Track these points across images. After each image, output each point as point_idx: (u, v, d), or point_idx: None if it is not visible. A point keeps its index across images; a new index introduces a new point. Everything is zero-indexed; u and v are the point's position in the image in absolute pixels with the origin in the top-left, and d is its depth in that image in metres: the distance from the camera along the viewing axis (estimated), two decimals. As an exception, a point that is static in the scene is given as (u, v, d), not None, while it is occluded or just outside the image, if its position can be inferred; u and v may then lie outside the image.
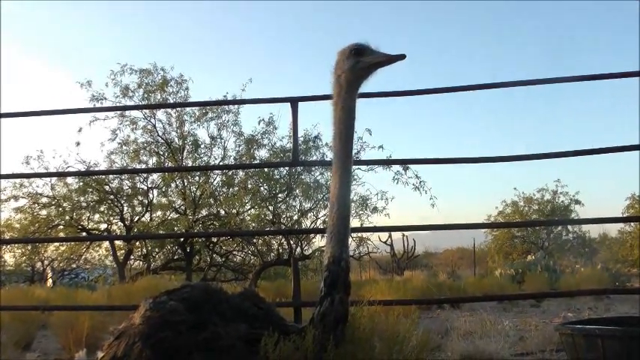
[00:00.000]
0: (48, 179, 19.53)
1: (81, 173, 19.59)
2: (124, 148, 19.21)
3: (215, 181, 19.13)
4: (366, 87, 2.95)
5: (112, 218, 20.48)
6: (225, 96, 18.15)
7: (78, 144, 18.89)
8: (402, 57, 2.82)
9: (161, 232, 18.85)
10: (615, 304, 13.40)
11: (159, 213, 20.03)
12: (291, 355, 2.46)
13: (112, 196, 19.66)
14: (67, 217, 19.47)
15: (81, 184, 19.07)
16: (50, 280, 23.77)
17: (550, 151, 4.94)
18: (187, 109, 19.09)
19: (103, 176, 19.01)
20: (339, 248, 2.66)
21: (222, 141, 19.33)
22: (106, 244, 20.51)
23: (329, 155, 16.54)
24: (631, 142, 4.77)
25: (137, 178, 19.58)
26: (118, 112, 18.83)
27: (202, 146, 19.39)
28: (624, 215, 26.33)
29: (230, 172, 18.63)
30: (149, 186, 19.97)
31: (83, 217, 20.16)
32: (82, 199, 19.52)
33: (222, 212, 19.12)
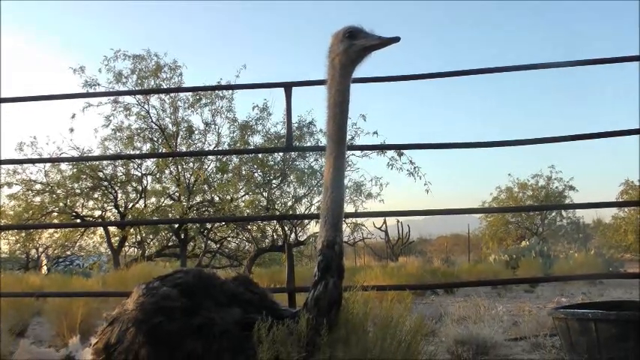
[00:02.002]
0: (41, 166, 19.45)
1: (75, 159, 19.56)
2: (118, 134, 19.17)
3: (209, 167, 19.14)
4: (361, 71, 2.93)
5: (106, 205, 20.49)
6: (219, 82, 18.07)
7: (72, 130, 18.82)
8: (396, 40, 2.79)
9: (155, 218, 18.83)
10: (609, 289, 13.49)
11: (153, 199, 20.02)
12: (284, 340, 2.46)
13: (105, 183, 19.63)
14: (61, 204, 19.42)
15: (75, 170, 19.00)
16: (45, 267, 23.77)
17: (544, 137, 4.93)
18: (181, 94, 19.03)
19: (97, 162, 18.98)
20: (333, 232, 2.64)
21: (216, 127, 19.32)
22: (101, 230, 20.52)
23: (323, 141, 16.45)
24: (627, 126, 4.75)
25: (131, 164, 19.55)
26: (112, 98, 18.77)
27: (196, 132, 19.37)
28: (618, 200, 26.40)
29: (224, 158, 18.59)
30: (143, 172, 19.97)
31: (77, 204, 20.11)
32: (75, 185, 19.46)
33: (217, 198, 19.10)
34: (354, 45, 2.80)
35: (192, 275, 2.82)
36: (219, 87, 17.25)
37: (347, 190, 17.78)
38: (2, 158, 7.38)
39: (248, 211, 18.05)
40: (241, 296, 2.71)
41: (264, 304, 2.69)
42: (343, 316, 2.65)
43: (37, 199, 19.70)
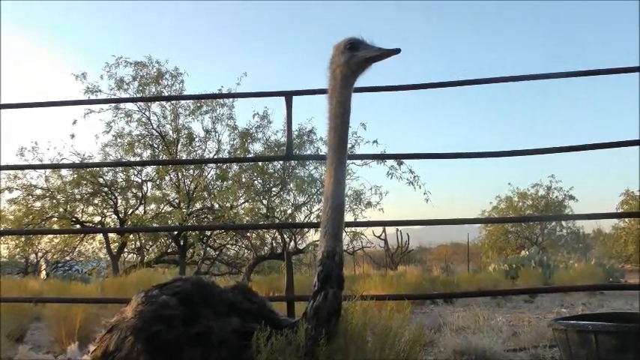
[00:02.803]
0: (42, 171, 19.52)
1: (75, 165, 19.60)
2: (119, 140, 19.24)
3: (209, 175, 19.17)
4: (362, 81, 2.95)
5: (105, 211, 20.53)
6: (219, 89, 18.14)
7: (72, 136, 18.91)
8: (396, 51, 2.81)
9: (155, 225, 18.85)
10: (609, 300, 13.44)
11: (153, 206, 20.05)
12: (283, 349, 2.45)
13: (106, 189, 19.66)
14: (61, 209, 19.47)
15: (75, 176, 19.06)
16: (44, 272, 23.74)
17: (544, 147, 4.92)
18: (182, 102, 19.11)
19: (98, 168, 19.01)
20: (333, 242, 2.64)
21: (217, 134, 19.38)
22: (100, 236, 20.52)
23: (323, 149, 16.58)
24: (627, 137, 4.74)
25: (131, 170, 19.59)
26: (113, 105, 18.84)
27: (197, 139, 19.41)
28: (618, 211, 26.43)
29: (224, 166, 18.63)
30: (143, 179, 20.02)
31: (77, 210, 20.17)
32: (76, 191, 19.53)
33: (216, 206, 19.13)
34: (355, 56, 2.83)
35: (191, 283, 2.81)
36: (220, 95, 17.31)
37: (347, 199, 17.80)
38: (3, 162, 7.40)
39: (247, 218, 18.07)
40: (240, 305, 2.70)
41: (262, 314, 2.69)
42: (342, 325, 2.64)
43: (37, 204, 19.78)
